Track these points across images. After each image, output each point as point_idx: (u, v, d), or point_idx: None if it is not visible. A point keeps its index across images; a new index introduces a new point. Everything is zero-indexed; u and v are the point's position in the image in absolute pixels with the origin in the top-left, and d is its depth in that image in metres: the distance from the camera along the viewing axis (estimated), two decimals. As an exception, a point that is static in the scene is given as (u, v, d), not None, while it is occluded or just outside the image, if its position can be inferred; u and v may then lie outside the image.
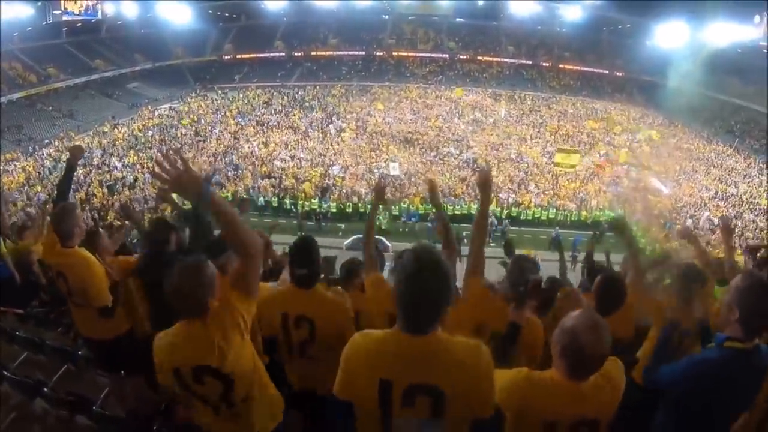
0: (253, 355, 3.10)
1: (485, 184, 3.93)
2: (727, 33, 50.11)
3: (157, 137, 39.89)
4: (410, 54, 63.89)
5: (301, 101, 51.62)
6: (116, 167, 32.74)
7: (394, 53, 63.59)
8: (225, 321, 2.88)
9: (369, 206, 28.30)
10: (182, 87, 56.90)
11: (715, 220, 29.00)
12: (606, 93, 59.19)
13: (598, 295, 4.17)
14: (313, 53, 63.08)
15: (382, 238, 24.07)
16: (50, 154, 35.08)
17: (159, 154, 3.05)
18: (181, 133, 41.12)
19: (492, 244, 24.60)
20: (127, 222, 8.53)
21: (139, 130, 41.71)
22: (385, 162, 35.24)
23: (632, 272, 4.48)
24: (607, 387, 2.67)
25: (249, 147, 37.87)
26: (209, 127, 42.97)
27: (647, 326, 4.33)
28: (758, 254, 5.59)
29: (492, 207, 28.64)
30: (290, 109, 48.73)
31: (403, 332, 2.41)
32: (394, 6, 65.42)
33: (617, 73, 61.09)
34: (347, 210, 29.14)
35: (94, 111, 46.92)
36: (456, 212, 28.52)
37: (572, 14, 61.87)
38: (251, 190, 30.00)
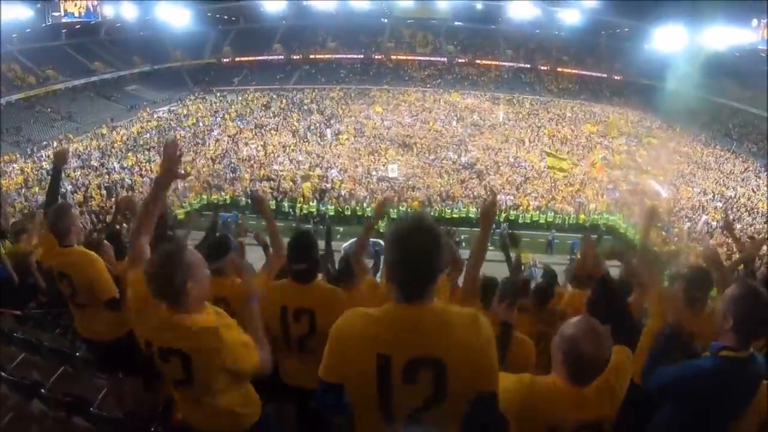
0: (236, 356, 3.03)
1: (488, 214, 3.92)
2: (725, 36, 50.17)
3: (155, 139, 39.88)
4: (409, 57, 63.88)
5: (300, 104, 51.64)
6: (114, 169, 32.72)
7: (393, 56, 63.60)
8: (215, 327, 2.86)
9: (367, 209, 28.49)
10: (181, 89, 56.86)
11: (714, 224, 29.04)
12: (604, 96, 59.30)
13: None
14: (311, 56, 63.04)
15: (381, 242, 24.05)
16: (49, 156, 35.03)
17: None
18: (180, 136, 41.08)
19: (491, 248, 24.66)
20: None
21: (138, 133, 41.69)
22: (383, 165, 35.24)
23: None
24: (610, 390, 2.68)
25: (247, 150, 37.88)
26: (208, 130, 42.97)
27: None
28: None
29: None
30: (289, 112, 48.75)
31: (398, 303, 2.33)
32: (393, 9, 65.37)
33: (615, 77, 61.15)
34: (345, 213, 29.14)
35: (92, 113, 46.90)
36: (454, 215, 28.56)
37: (571, 18, 61.91)
38: (249, 193, 30.01)
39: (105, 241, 5.83)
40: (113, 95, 51.98)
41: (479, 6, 63.53)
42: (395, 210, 28.77)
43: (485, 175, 35.22)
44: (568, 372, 2.60)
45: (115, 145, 38.44)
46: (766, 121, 44.73)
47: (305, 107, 50.59)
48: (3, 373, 5.16)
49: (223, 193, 30.03)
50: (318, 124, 45.26)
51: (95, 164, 33.22)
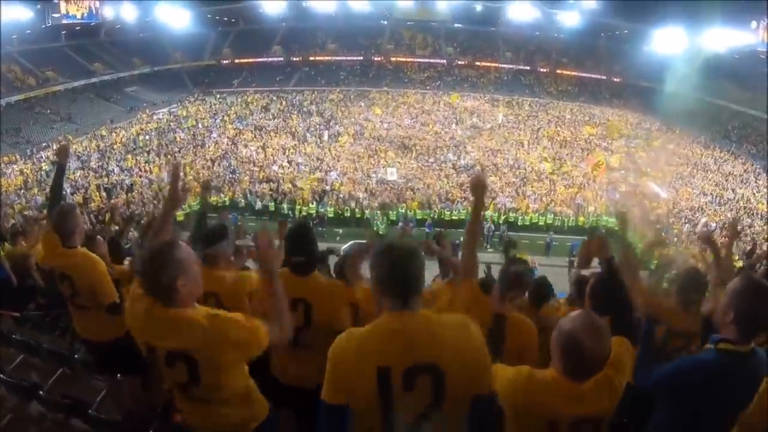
0: (240, 374, 3.07)
1: (478, 187, 3.91)
2: (725, 38, 50.17)
3: (155, 141, 39.89)
4: (408, 59, 63.84)
5: (299, 106, 51.63)
6: (114, 171, 32.72)
7: (393, 58, 63.56)
8: (220, 331, 2.83)
9: (366, 211, 28.52)
10: (181, 91, 56.90)
11: (713, 225, 29.04)
12: (604, 99, 59.28)
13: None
14: (311, 58, 63.03)
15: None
16: (48, 157, 35.03)
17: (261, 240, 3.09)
18: (180, 138, 41.11)
19: (489, 250, 24.71)
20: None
21: (137, 134, 41.68)
22: (383, 167, 35.25)
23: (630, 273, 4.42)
24: (608, 385, 2.66)
25: (247, 152, 37.88)
26: (207, 132, 42.97)
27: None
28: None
29: (489, 212, 28.71)
30: (288, 114, 48.74)
31: (391, 313, 2.44)
32: (393, 11, 65.34)
33: (615, 79, 61.10)
34: (345, 215, 29.14)
35: (92, 114, 46.96)
36: (453, 217, 28.56)
37: (570, 20, 61.84)
38: (249, 195, 30.02)
39: (98, 237, 5.84)
40: (113, 97, 52.02)
41: (479, 8, 63.52)
42: (395, 212, 28.83)
43: (485, 169, 35.20)
44: (567, 367, 2.60)
45: (115, 146, 38.43)
46: (765, 122, 44.72)
47: (305, 109, 50.59)
48: (2, 375, 5.16)
49: (222, 195, 30.00)
50: (317, 126, 45.27)
51: (94, 165, 33.19)
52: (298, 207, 29.22)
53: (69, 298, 4.77)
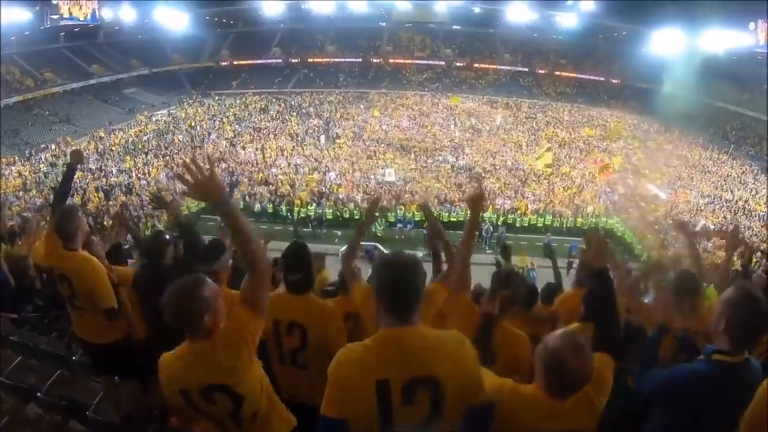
0: (261, 373, 3.09)
1: (476, 200, 3.91)
2: (723, 40, 50.23)
3: (153, 143, 39.88)
4: (407, 61, 63.92)
5: (298, 108, 51.64)
6: (112, 172, 32.70)
7: (391, 60, 63.60)
8: (234, 338, 2.90)
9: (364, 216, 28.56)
10: (179, 93, 56.93)
11: (712, 226, 29.06)
12: (602, 100, 59.34)
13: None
14: (310, 60, 63.07)
15: (378, 245, 24.11)
16: (46, 159, 35.03)
17: (187, 158, 3.08)
18: (178, 139, 41.10)
19: (488, 251, 24.71)
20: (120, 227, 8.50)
21: (136, 136, 41.66)
22: (381, 169, 35.28)
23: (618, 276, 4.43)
24: (589, 402, 2.68)
25: (245, 153, 37.88)
26: (206, 133, 42.95)
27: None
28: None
29: (488, 213, 28.74)
30: (287, 116, 48.74)
31: (390, 327, 2.46)
32: (391, 13, 65.35)
33: (613, 80, 61.25)
34: (344, 216, 29.13)
35: (90, 116, 46.96)
36: (452, 219, 28.55)
37: (568, 22, 61.85)
38: (247, 197, 30.00)
39: (93, 237, 5.83)
40: (111, 98, 52.01)
41: (477, 9, 63.48)
42: (393, 213, 28.82)
43: (483, 178, 35.22)
44: (549, 384, 2.61)
45: (113, 148, 38.41)
46: (763, 124, 44.83)
47: (303, 111, 50.61)
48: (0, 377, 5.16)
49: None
50: (316, 128, 45.28)
51: (93, 167, 33.16)
52: (296, 209, 29.20)
53: (67, 299, 4.76)
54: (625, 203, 32.80)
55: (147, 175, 32.38)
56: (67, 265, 4.61)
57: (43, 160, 35.11)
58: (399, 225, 28.44)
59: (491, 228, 28.03)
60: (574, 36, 62.04)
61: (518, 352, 3.72)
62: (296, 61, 62.84)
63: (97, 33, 56.88)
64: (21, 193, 28.20)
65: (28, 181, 30.46)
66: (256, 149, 38.77)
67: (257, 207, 29.19)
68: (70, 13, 50.79)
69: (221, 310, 2.95)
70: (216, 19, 64.77)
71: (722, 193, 36.80)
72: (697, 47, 50.85)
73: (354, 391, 2.40)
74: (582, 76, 62.16)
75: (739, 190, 37.92)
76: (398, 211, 29.08)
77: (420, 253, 11.67)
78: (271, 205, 29.53)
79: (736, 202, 35.13)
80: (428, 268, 3.21)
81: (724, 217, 32.06)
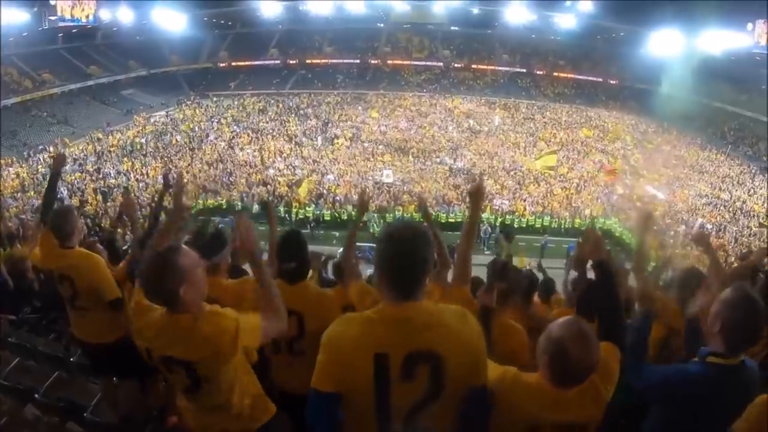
0: (240, 375, 3.05)
1: (476, 193, 3.89)
2: (721, 40, 50.29)
3: (151, 144, 39.86)
4: (405, 62, 63.89)
5: (296, 109, 51.64)
6: (110, 174, 32.68)
7: (389, 61, 63.59)
8: (218, 334, 2.82)
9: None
10: (177, 94, 56.89)
11: (709, 226, 29.15)
12: (600, 101, 59.34)
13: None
14: (308, 61, 63.03)
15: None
16: (44, 160, 34.98)
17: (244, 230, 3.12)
18: (176, 141, 41.10)
19: (486, 252, 24.71)
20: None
21: (134, 137, 41.63)
22: (379, 170, 35.30)
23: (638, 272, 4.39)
24: (595, 392, 2.59)
25: (243, 155, 37.87)
26: (204, 135, 42.94)
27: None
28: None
29: (486, 215, 28.77)
30: (285, 117, 48.75)
31: (391, 302, 2.38)
32: (389, 14, 65.40)
33: (611, 81, 61.26)
34: (342, 218, 29.14)
35: (88, 117, 46.89)
36: (450, 220, 28.58)
37: (566, 22, 61.92)
38: (245, 198, 30.01)
39: (98, 244, 5.83)
40: (109, 99, 51.95)
41: (475, 10, 63.44)
42: (391, 214, 28.84)
43: (482, 178, 35.24)
44: (553, 374, 2.53)
45: (111, 149, 38.40)
46: (761, 124, 44.90)
47: (301, 112, 50.62)
48: (-3, 378, 5.16)
49: (218, 198, 30.01)
50: (314, 129, 45.30)
51: (91, 169, 33.15)
52: (294, 210, 29.21)
53: (68, 300, 4.74)
54: (625, 204, 32.87)
55: (145, 177, 32.36)
56: (67, 264, 4.60)
57: (41, 161, 35.04)
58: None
59: (489, 229, 28.05)
60: (572, 37, 62.14)
61: (515, 345, 3.70)
62: (294, 62, 62.79)
63: (95, 34, 56.81)
64: (19, 195, 28.18)
65: (26, 183, 30.44)
66: (254, 150, 38.75)
67: (255, 208, 29.17)
68: (72, 15, 50.75)
69: (201, 284, 2.90)
70: (214, 20, 64.71)
71: (720, 194, 36.84)
72: (695, 48, 50.91)
73: (349, 364, 2.33)
74: (580, 76, 62.13)
75: (736, 190, 37.98)
76: (396, 212, 29.11)
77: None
78: (269, 206, 29.54)
79: (734, 202, 35.18)
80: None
81: (722, 218, 32.14)
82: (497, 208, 30.37)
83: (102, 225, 22.64)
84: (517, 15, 62.07)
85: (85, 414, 4.57)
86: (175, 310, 2.82)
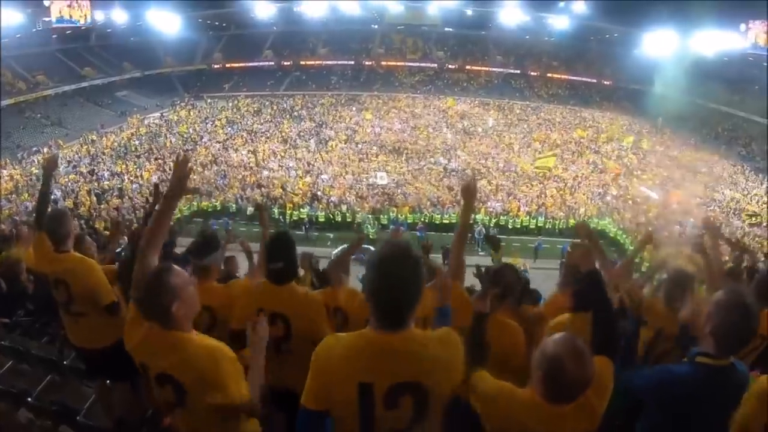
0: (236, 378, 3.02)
1: (468, 191, 3.91)
2: (714, 41, 50.50)
3: (145, 146, 39.77)
4: (399, 63, 64.05)
5: (290, 110, 51.63)
6: (104, 176, 32.58)
7: (383, 63, 63.75)
8: (208, 361, 2.86)
9: (357, 216, 28.52)
10: (171, 95, 56.89)
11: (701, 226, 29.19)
12: (594, 102, 59.55)
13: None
14: (302, 62, 63.15)
15: (370, 248, 24.11)
16: (38, 162, 34.82)
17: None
18: (171, 142, 41.02)
19: (481, 252, 24.72)
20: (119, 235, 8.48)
21: (128, 139, 41.53)
22: (373, 171, 35.29)
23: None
24: (589, 408, 2.57)
25: (238, 156, 37.82)
26: (198, 136, 42.88)
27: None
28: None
29: (480, 215, 28.78)
30: (279, 119, 48.76)
31: (378, 330, 2.37)
32: (383, 15, 65.49)
33: (605, 82, 61.48)
34: (336, 219, 29.13)
35: (82, 119, 46.82)
36: (444, 221, 28.62)
37: (560, 24, 62.12)
38: (239, 200, 29.98)
39: (87, 237, 5.82)
40: (103, 101, 51.90)
41: (469, 12, 63.57)
42: (385, 215, 28.87)
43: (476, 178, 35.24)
44: (547, 391, 2.51)
45: (105, 151, 38.29)
46: (754, 124, 45.10)
47: (296, 113, 50.60)
48: (-10, 382, 5.15)
49: (213, 200, 29.96)
50: (308, 131, 45.28)
51: (84, 170, 33.05)
52: (288, 212, 29.19)
53: (63, 304, 4.71)
54: (618, 204, 32.98)
55: (139, 179, 32.28)
56: (62, 268, 4.57)
57: (35, 163, 34.89)
58: (392, 227, 28.40)
59: (483, 230, 28.05)
60: (566, 38, 62.37)
61: (511, 343, 3.67)
62: (288, 63, 62.88)
63: (89, 35, 56.71)
64: (13, 197, 28.06)
65: (19, 185, 30.30)
66: (249, 152, 38.72)
67: (249, 210, 29.12)
68: (70, 16, 50.76)
69: (192, 302, 2.96)
70: (208, 21, 64.76)
71: (714, 194, 36.93)
72: (689, 48, 51.12)
73: (335, 388, 2.36)
74: (574, 77, 62.34)
75: (730, 190, 38.11)
76: (391, 214, 29.14)
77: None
78: (263, 208, 29.47)
79: (728, 203, 35.28)
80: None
81: (716, 218, 32.20)
82: (491, 209, 30.35)
83: (96, 227, 22.53)
84: (510, 16, 62.27)
85: (78, 417, 4.56)
86: (168, 326, 2.88)
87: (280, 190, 31.14)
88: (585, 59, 62.83)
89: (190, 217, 28.30)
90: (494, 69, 63.28)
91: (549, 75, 62.84)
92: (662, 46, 54.19)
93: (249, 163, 36.30)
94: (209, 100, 55.22)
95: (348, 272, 5.38)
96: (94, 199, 28.46)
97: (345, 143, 42.65)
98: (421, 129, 47.11)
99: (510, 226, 29.99)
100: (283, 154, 39.05)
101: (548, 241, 27.95)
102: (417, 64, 64.31)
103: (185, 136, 42.91)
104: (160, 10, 57.35)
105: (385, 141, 43.23)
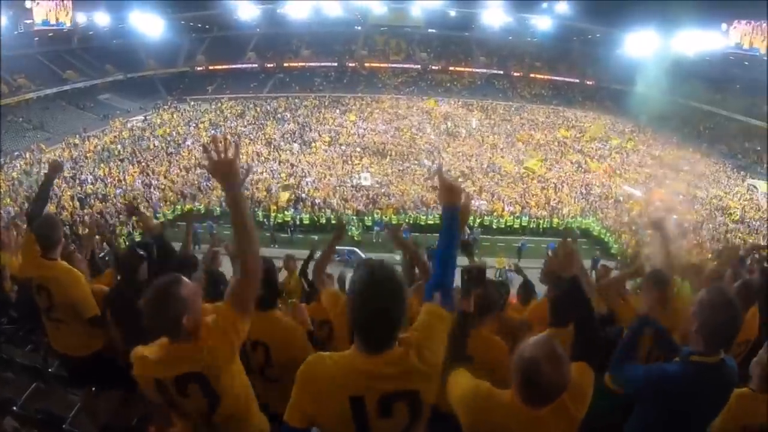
0: (242, 377, 3.08)
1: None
2: (696, 41, 50.92)
3: (128, 149, 39.52)
4: (382, 65, 64.23)
5: (274, 113, 51.52)
6: (87, 180, 32.34)
7: (367, 64, 63.80)
8: (218, 334, 2.86)
9: (342, 217, 28.48)
10: (154, 98, 56.52)
11: (685, 224, 29.41)
12: (577, 102, 59.88)
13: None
14: (285, 64, 63.09)
15: (356, 249, 24.15)
16: (20, 167, 34.54)
17: (215, 135, 3.03)
18: (154, 145, 40.79)
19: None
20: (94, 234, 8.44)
21: (111, 142, 41.24)
22: (357, 173, 35.28)
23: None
24: (566, 412, 2.59)
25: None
26: (181, 139, 42.66)
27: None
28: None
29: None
30: (263, 121, 48.62)
31: (362, 353, 2.38)
32: (367, 17, 65.49)
33: (588, 82, 61.92)
34: (320, 221, 29.10)
35: (65, 122, 46.46)
36: (429, 222, 28.65)
37: (543, 24, 62.44)
38: (224, 203, 29.84)
39: (77, 254, 5.79)
40: (86, 104, 51.53)
41: (452, 13, 63.72)
42: (369, 217, 28.87)
43: (460, 181, 35.30)
44: (524, 394, 2.53)
45: (88, 155, 38.00)
46: (736, 123, 45.51)
47: (279, 115, 50.51)
48: (-26, 391, 5.12)
49: (197, 203, 29.82)
50: (292, 133, 45.18)
51: (67, 175, 32.77)
52: (273, 214, 29.12)
53: (44, 310, 4.70)
54: (602, 203, 33.17)
55: (122, 183, 32.07)
56: (48, 275, 4.55)
57: (16, 168, 34.59)
58: (376, 228, 28.44)
59: (468, 231, 28.09)
60: (548, 38, 62.73)
61: (495, 359, 3.67)
62: (272, 65, 62.81)
63: (71, 38, 56.21)
64: (-6, 202, 27.82)
65: (1, 190, 30.03)
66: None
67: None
68: (57, 19, 50.41)
69: (199, 312, 2.90)
70: (191, 23, 64.48)
71: (696, 191, 37.21)
72: (671, 48, 51.52)
73: (324, 403, 2.37)
74: (557, 78, 62.72)
75: (713, 188, 38.44)
76: (375, 215, 29.14)
77: (397, 257, 11.66)
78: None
79: (710, 200, 35.58)
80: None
81: (699, 215, 32.46)
82: (476, 208, 30.39)
83: (78, 232, 22.35)
84: (493, 17, 62.55)
85: (63, 426, 4.56)
86: (177, 339, 2.84)
87: (265, 193, 31.05)
88: (568, 60, 63.13)
89: (174, 220, 28.14)
90: (477, 70, 63.56)
91: (532, 75, 63.18)
92: (644, 46, 54.62)
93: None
94: (192, 103, 54.93)
95: (331, 261, 5.38)
96: (77, 203, 28.25)
97: (329, 145, 42.56)
98: (405, 130, 47.15)
99: (494, 226, 30.08)
100: (266, 156, 38.92)
101: (532, 241, 28.06)
102: (400, 65, 64.50)
103: (168, 138, 42.64)
104: (143, 12, 57.05)
105: (368, 142, 43.22)
